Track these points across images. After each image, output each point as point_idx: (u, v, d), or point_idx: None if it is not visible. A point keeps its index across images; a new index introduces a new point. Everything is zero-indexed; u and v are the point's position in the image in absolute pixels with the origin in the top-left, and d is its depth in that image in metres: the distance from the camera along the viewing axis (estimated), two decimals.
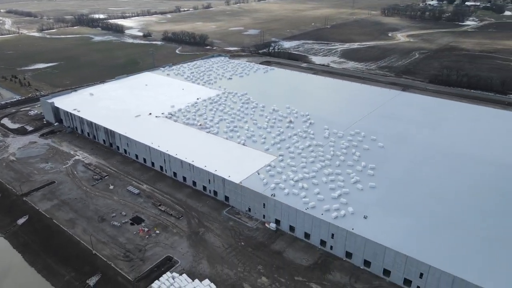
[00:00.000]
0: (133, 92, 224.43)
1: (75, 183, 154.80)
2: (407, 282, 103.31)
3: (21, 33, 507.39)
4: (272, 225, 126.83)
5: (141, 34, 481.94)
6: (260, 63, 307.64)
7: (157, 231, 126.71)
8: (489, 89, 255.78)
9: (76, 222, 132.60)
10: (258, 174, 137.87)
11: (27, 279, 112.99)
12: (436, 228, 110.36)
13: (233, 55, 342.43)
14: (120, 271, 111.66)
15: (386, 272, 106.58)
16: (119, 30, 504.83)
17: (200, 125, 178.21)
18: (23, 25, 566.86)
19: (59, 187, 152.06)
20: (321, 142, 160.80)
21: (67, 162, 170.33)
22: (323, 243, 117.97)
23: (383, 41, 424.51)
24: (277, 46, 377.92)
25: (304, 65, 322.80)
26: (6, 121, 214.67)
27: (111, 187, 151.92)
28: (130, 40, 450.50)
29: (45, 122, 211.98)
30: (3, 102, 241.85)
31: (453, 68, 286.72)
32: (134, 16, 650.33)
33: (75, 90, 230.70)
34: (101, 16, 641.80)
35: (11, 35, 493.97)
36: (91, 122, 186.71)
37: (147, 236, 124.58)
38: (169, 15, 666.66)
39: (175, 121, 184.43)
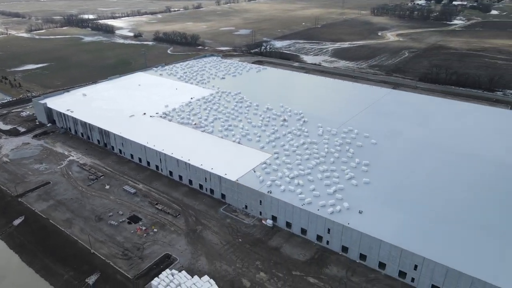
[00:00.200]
0: (127, 92, 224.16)
1: (71, 184, 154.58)
2: (402, 274, 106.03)
3: (10, 34, 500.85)
4: (269, 222, 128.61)
5: (131, 34, 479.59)
6: (252, 63, 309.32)
7: (155, 230, 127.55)
8: (477, 86, 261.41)
9: (73, 222, 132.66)
10: (254, 172, 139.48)
11: (26, 280, 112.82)
12: (429, 221, 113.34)
13: (225, 55, 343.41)
14: (119, 269, 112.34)
15: (382, 265, 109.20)
16: (109, 30, 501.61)
17: (195, 124, 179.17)
18: (11, 25, 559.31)
19: (54, 188, 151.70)
20: (315, 139, 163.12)
21: (61, 163, 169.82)
22: (319, 238, 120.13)
23: (373, 40, 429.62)
24: (268, 46, 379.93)
25: (296, 64, 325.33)
26: None
27: (107, 186, 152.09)
28: (121, 41, 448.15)
29: (37, 123, 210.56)
30: None
31: (442, 66, 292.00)
32: (124, 17, 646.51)
33: (68, 91, 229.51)
34: (91, 16, 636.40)
35: None
36: (85, 123, 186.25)
37: (145, 235, 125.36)
38: (159, 15, 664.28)
39: (170, 120, 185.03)
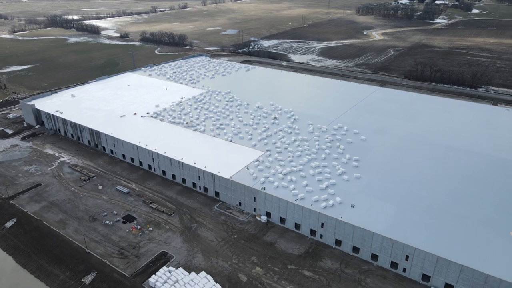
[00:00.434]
0: (116, 93, 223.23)
1: (63, 185, 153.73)
2: (394, 264, 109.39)
3: None
4: (263, 218, 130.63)
5: (117, 35, 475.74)
6: (241, 62, 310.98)
7: (150, 228, 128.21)
8: (460, 83, 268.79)
9: (67, 222, 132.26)
10: (248, 169, 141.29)
11: (20, 281, 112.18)
12: (418, 212, 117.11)
13: (213, 55, 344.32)
14: (115, 268, 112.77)
15: (374, 257, 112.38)
16: (95, 31, 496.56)
17: (187, 123, 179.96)
18: None
19: (46, 189, 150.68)
20: (306, 136, 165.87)
21: (52, 164, 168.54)
22: (313, 232, 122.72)
23: (359, 39, 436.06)
24: (256, 45, 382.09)
25: (284, 63, 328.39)
26: None
27: (100, 187, 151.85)
28: (107, 41, 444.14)
29: (25, 124, 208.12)
30: None
31: (426, 64, 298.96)
32: (110, 17, 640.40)
33: (56, 92, 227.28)
34: (75, 17, 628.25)
35: None
36: (75, 124, 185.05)
37: (140, 234, 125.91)
38: (145, 16, 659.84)
39: (161, 120, 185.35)
